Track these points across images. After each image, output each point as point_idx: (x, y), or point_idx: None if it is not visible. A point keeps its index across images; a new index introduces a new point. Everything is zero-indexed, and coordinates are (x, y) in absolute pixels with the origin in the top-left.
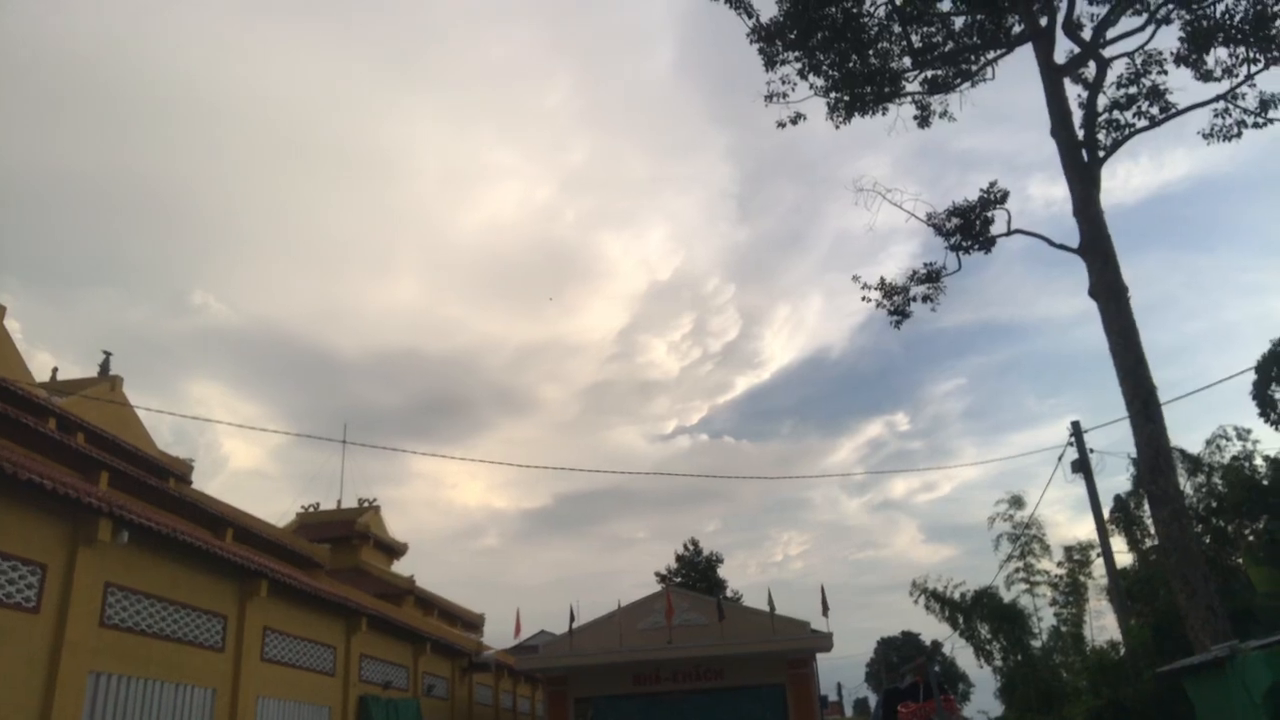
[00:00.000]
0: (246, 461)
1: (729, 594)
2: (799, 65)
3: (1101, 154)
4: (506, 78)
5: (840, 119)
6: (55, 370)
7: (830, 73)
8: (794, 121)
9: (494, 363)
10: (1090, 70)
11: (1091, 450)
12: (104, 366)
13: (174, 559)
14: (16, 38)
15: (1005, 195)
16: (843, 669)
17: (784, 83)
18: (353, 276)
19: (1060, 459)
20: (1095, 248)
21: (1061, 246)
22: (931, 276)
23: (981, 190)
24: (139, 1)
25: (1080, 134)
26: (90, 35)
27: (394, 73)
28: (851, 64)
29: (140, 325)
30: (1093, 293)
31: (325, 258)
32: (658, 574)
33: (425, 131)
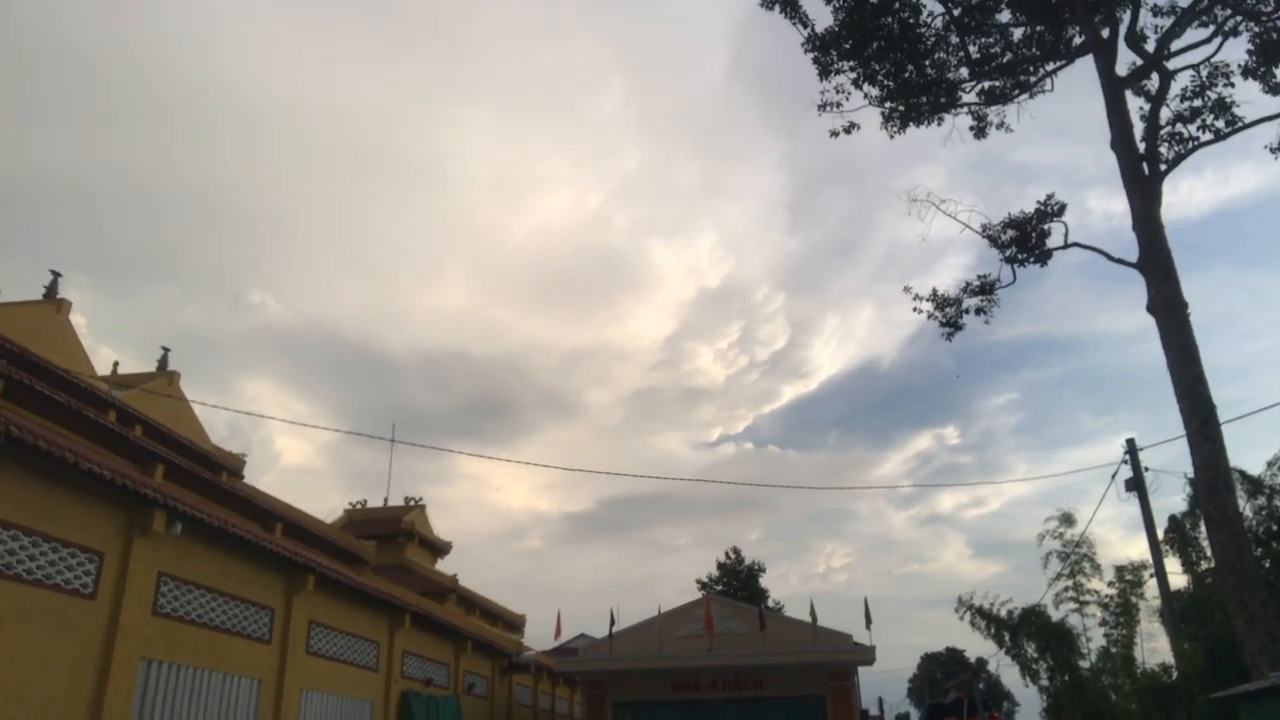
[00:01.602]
0: (297, 458)
1: (770, 604)
2: (853, 75)
3: (1163, 167)
4: (559, 86)
5: (895, 129)
6: (116, 364)
7: (885, 83)
8: (847, 131)
9: (541, 366)
10: (1153, 82)
11: (1147, 469)
12: (162, 362)
13: (225, 551)
14: (80, 41)
15: (1063, 208)
16: (885, 683)
17: (838, 92)
18: (404, 279)
19: (1114, 477)
20: (1155, 262)
21: (1120, 261)
22: (985, 289)
23: (1038, 202)
24: (198, 11)
25: (1141, 147)
26: (152, 42)
27: (447, 81)
28: (907, 74)
29: (197, 322)
30: (1151, 308)
31: (377, 261)
32: (699, 581)
33: (477, 139)
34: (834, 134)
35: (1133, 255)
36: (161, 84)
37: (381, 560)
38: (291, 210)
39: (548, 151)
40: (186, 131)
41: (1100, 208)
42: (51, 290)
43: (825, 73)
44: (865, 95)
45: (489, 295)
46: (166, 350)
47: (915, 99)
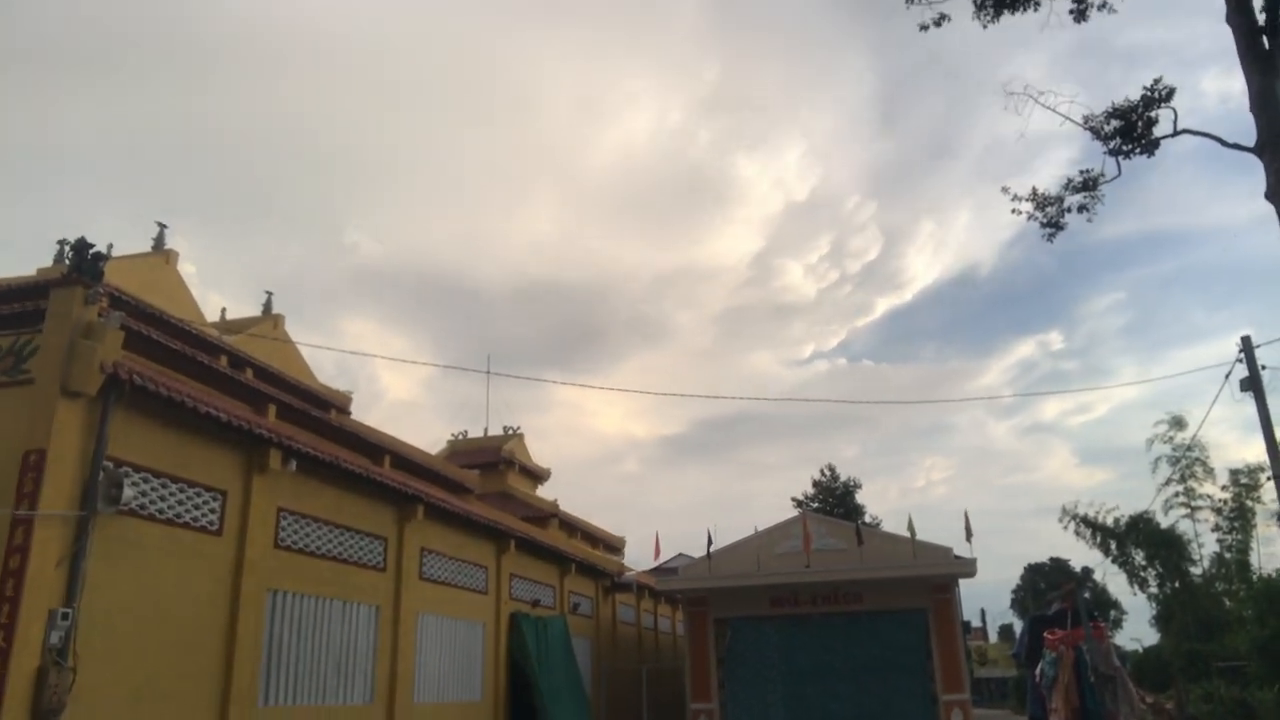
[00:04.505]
0: (401, 393)
1: (867, 519)
2: None
3: None
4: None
5: (988, 17)
6: (224, 310)
7: None
8: (938, 23)
9: (629, 291)
10: None
11: (1264, 367)
12: (266, 306)
13: (338, 485)
14: None
15: (1171, 92)
16: (987, 595)
17: None
18: (492, 211)
19: (1228, 376)
20: (1274, 145)
21: (1235, 146)
22: (1088, 184)
23: (1145, 88)
24: None
25: (1261, 18)
26: None
27: (523, 6)
28: None
29: (297, 265)
30: (1270, 195)
31: (466, 194)
32: (794, 499)
33: (556, 61)
34: (924, 27)
35: (1250, 139)
36: (248, 29)
37: (485, 488)
38: (380, 148)
39: (626, 69)
40: (273, 77)
41: (1215, 89)
42: (159, 242)
43: None
44: None
45: (575, 221)
46: (270, 294)
47: None
